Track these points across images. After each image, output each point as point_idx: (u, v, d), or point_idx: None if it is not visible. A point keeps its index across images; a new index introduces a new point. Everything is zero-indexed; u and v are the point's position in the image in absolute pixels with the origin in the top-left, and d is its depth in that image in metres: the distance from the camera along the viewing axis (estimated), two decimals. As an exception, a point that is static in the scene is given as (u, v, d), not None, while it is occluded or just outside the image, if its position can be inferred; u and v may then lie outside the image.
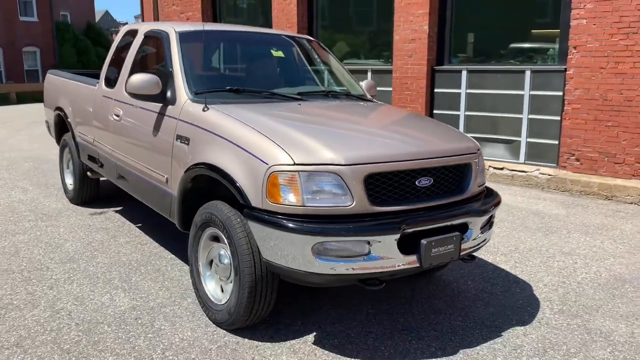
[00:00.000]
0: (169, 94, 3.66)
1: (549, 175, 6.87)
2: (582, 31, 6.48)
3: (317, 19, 9.46)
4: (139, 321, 3.30)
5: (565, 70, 6.74)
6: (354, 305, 3.60)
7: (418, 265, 2.92)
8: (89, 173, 5.48)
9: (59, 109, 5.71)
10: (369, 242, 2.78)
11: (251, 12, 10.70)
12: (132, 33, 4.62)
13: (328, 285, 3.18)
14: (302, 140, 2.94)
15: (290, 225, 2.73)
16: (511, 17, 7.55)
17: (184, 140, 3.42)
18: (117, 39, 4.85)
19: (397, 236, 2.81)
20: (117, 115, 4.31)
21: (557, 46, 7.05)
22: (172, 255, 4.40)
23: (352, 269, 2.79)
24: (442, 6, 7.89)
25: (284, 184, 2.78)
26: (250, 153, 2.93)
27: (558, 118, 6.99)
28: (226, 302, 3.16)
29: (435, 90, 8.04)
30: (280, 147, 2.85)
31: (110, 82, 4.65)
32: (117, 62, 4.71)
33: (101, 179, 5.60)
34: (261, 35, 4.46)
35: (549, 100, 7.07)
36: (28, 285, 3.77)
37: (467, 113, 7.78)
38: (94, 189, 5.69)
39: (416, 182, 3.00)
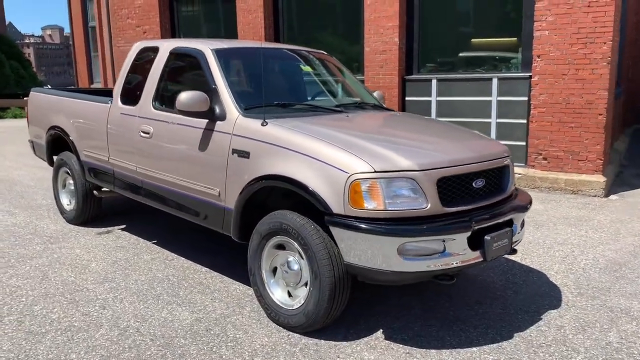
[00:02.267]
0: (217, 110, 3.77)
1: (519, 174, 7.44)
2: (545, 41, 7.11)
3: (284, 31, 9.67)
4: (212, 332, 3.39)
5: (531, 77, 7.35)
6: (403, 303, 3.86)
7: (482, 259, 3.22)
8: (95, 192, 5.41)
9: (55, 128, 5.58)
10: (444, 240, 3.06)
11: (212, 25, 10.73)
12: (151, 50, 4.65)
13: (404, 283, 3.41)
14: (374, 149, 3.17)
15: (377, 228, 2.95)
16: (475, 29, 8.11)
17: (243, 154, 3.55)
18: (130, 58, 4.85)
19: (469, 233, 3.10)
20: (147, 133, 4.33)
21: (520, 55, 7.66)
22: (206, 269, 4.47)
23: (431, 266, 3.05)
24: (409, 19, 8.34)
25: (366, 190, 3.00)
26: (326, 163, 3.12)
27: (524, 121, 7.59)
28: (300, 306, 3.31)
29: (407, 98, 8.47)
30: (358, 157, 3.07)
31: (130, 100, 4.65)
32: (134, 80, 4.73)
33: (103, 197, 5.54)
34: (285, 51, 4.63)
35: (516, 105, 7.66)
36: (79, 307, 3.73)
37: (438, 119, 8.25)
38: (96, 209, 5.61)
39: (473, 184, 3.31)
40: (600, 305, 3.86)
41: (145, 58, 4.71)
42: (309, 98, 4.51)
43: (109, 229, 5.56)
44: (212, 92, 3.85)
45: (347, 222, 3.02)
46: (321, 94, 4.67)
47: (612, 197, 7.04)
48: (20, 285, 4.10)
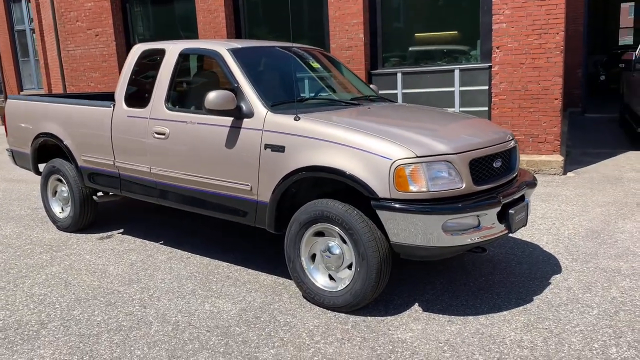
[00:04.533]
0: (244, 107, 3.92)
1: (484, 158, 7.95)
2: (503, 33, 7.65)
3: (246, 29, 9.76)
4: (262, 319, 3.56)
5: (491, 67, 7.88)
6: (427, 280, 4.17)
7: (507, 231, 3.58)
8: (95, 197, 5.37)
9: (45, 135, 5.48)
10: (478, 216, 3.38)
11: (168, 26, 10.62)
12: (156, 53, 4.69)
13: (445, 257, 3.69)
14: (411, 136, 3.44)
15: (423, 208, 3.23)
16: (436, 24, 8.55)
17: (277, 148, 3.72)
18: (130, 61, 4.86)
19: (499, 208, 3.45)
20: (162, 134, 4.40)
21: (479, 47, 8.18)
22: (226, 263, 4.59)
23: (468, 239, 3.36)
24: (372, 16, 8.68)
25: (409, 174, 3.27)
26: (369, 152, 3.36)
27: (487, 109, 8.13)
28: (345, 287, 3.54)
29: (373, 91, 8.80)
30: (399, 144, 3.33)
31: (136, 103, 4.68)
32: (139, 83, 4.76)
33: (99, 201, 5.51)
34: (289, 49, 4.79)
35: (477, 94, 8.18)
36: (119, 308, 3.78)
37: (444, 109, 8.64)
38: (93, 214, 5.56)
39: (493, 164, 3.66)
40: (594, 268, 4.33)
41: (149, 61, 4.75)
42: (319, 93, 4.72)
43: (108, 233, 5.53)
44: (235, 91, 3.98)
45: (394, 205, 3.27)
46: (329, 89, 4.90)
47: (569, 174, 7.69)
48: (47, 293, 4.08)
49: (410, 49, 8.76)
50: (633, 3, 23.55)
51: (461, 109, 8.29)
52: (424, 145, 3.36)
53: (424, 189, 3.28)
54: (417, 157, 3.28)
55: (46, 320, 3.64)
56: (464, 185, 3.37)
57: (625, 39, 33.80)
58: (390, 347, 3.17)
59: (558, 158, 7.67)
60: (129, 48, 10.81)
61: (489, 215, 3.42)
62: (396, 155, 3.29)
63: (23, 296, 4.04)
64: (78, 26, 10.87)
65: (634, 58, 9.56)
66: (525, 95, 7.71)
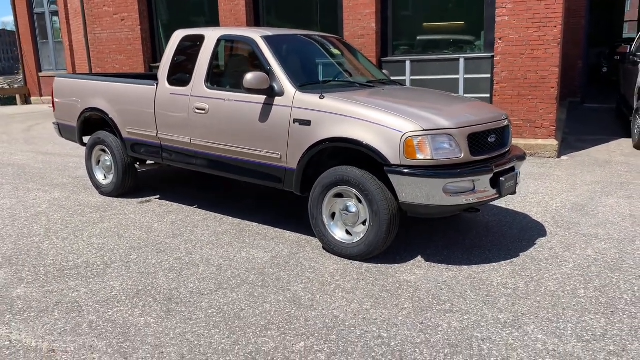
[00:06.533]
0: (276, 87, 4.58)
1: (485, 141, 8.60)
2: (505, 26, 8.26)
3: (264, 17, 10.38)
4: (290, 264, 4.25)
5: (493, 57, 8.50)
6: (429, 238, 4.85)
7: (498, 195, 4.25)
8: (137, 165, 6.06)
9: (92, 109, 6.15)
10: (473, 181, 4.05)
11: (190, 11, 11.26)
12: (196, 38, 5.35)
13: (444, 215, 4.35)
14: (419, 113, 4.11)
15: (428, 172, 3.91)
16: (443, 15, 9.17)
17: (304, 122, 4.39)
18: (172, 45, 5.52)
19: (491, 175, 4.12)
20: (202, 110, 5.07)
21: (483, 38, 8.79)
22: (256, 223, 5.28)
23: (465, 200, 4.04)
24: (383, 6, 9.29)
25: (417, 145, 3.94)
26: (383, 126, 4.03)
27: (488, 95, 8.75)
28: (360, 239, 4.23)
29: (383, 78, 9.43)
30: (409, 119, 4.00)
31: (178, 82, 5.34)
32: (181, 64, 5.42)
33: (140, 169, 6.20)
34: (311, 37, 5.45)
35: (480, 81, 8.81)
36: (168, 254, 4.48)
37: (448, 92, 9.26)
38: (134, 181, 6.25)
39: (488, 139, 4.32)
40: (575, 233, 5.00)
41: (188, 45, 5.41)
42: (338, 76, 5.38)
43: (147, 198, 6.23)
44: (268, 73, 4.64)
45: (404, 170, 3.95)
46: (346, 73, 5.56)
47: (563, 157, 8.33)
48: (104, 243, 4.78)
49: (418, 38, 9.37)
50: (638, -4, 23.97)
51: (465, 95, 8.92)
52: (430, 121, 4.03)
53: (429, 157, 3.95)
54: (424, 130, 3.95)
55: (109, 262, 4.35)
56: (462, 155, 4.04)
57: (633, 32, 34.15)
58: (397, 285, 3.86)
59: (553, 142, 8.30)
60: (152, 33, 11.48)
61: (483, 181, 4.09)
62: (406, 128, 3.96)
63: (84, 244, 4.75)
64: (105, 11, 11.51)
65: (628, 51, 10.14)
66: (524, 83, 8.33)
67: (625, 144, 9.21)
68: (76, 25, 13.71)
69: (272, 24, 10.43)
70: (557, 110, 8.57)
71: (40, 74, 20.29)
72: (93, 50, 11.90)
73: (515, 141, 8.40)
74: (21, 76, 22.51)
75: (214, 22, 10.61)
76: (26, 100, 20.86)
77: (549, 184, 6.79)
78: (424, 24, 9.32)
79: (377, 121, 4.06)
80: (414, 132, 3.94)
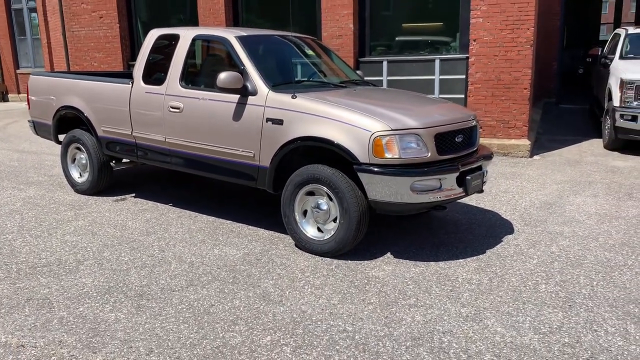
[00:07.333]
0: (249, 87, 4.65)
1: (460, 141, 8.74)
2: (479, 27, 8.41)
3: (243, 16, 10.42)
4: (262, 261, 4.33)
5: (468, 58, 8.65)
6: (398, 236, 4.96)
7: (464, 193, 4.36)
8: (112, 164, 6.08)
9: (67, 107, 6.16)
10: (440, 179, 4.16)
11: (169, 10, 11.25)
12: (171, 38, 5.39)
13: (412, 212, 4.44)
14: (387, 113, 4.21)
15: (396, 171, 4.01)
16: (419, 16, 9.30)
17: (277, 121, 4.46)
18: (148, 44, 5.56)
19: (457, 174, 4.23)
20: (177, 108, 5.11)
21: (458, 39, 8.94)
22: (229, 221, 5.34)
23: (431, 198, 4.15)
24: (361, 7, 9.40)
25: (385, 144, 4.03)
26: (352, 125, 4.12)
27: (463, 96, 8.90)
28: (331, 236, 4.31)
29: (361, 78, 9.54)
30: (377, 119, 4.09)
31: (152, 80, 5.38)
32: (156, 63, 5.46)
33: (117, 168, 6.23)
34: (286, 37, 5.53)
35: (455, 82, 8.95)
36: (141, 251, 4.53)
37: (420, 93, 9.37)
38: (110, 179, 6.27)
39: (455, 139, 4.44)
40: (542, 231, 5.14)
41: (163, 44, 5.45)
42: (312, 77, 5.46)
43: (123, 197, 6.25)
44: (241, 73, 4.71)
45: (373, 169, 4.04)
46: (320, 73, 5.65)
47: (535, 157, 8.51)
48: (78, 241, 4.81)
49: (395, 39, 9.49)
50: (614, -1, 24.44)
51: (440, 95, 9.07)
52: (398, 121, 4.13)
53: (397, 156, 4.05)
54: (392, 130, 4.05)
55: (82, 259, 4.38)
56: (429, 154, 4.15)
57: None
58: (366, 281, 3.96)
59: (525, 142, 8.48)
60: (131, 31, 11.45)
61: (449, 179, 4.21)
62: (375, 128, 4.06)
63: (57, 242, 4.77)
64: (83, 8, 11.45)
65: (599, 53, 10.38)
66: (497, 84, 8.49)
67: (597, 144, 9.43)
68: (54, 23, 13.61)
69: (251, 23, 10.48)
70: (530, 110, 8.75)
71: (18, 71, 20.02)
72: (71, 47, 11.83)
73: (489, 141, 8.57)
74: (-2, 73, 22.21)
75: (193, 20, 10.62)
76: (3, 98, 20.60)
77: (519, 183, 6.95)
78: (401, 25, 9.44)
79: (347, 121, 4.15)
80: (383, 132, 4.03)
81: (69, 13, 11.63)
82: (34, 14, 19.49)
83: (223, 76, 4.54)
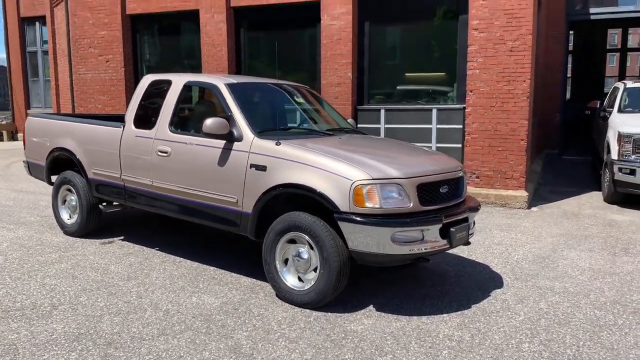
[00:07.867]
0: (235, 133, 4.66)
1: (457, 190, 8.68)
2: (476, 79, 8.48)
3: (245, 63, 10.60)
4: (239, 310, 4.22)
5: (465, 108, 8.69)
6: (381, 287, 4.84)
7: (448, 245, 4.27)
8: (101, 206, 6.06)
9: (60, 149, 6.20)
10: (422, 230, 4.09)
11: (174, 55, 11.48)
12: (163, 83, 5.46)
13: (393, 264, 4.35)
14: (369, 162, 4.18)
15: (376, 221, 3.94)
16: (417, 67, 9.41)
17: (260, 168, 4.44)
18: (141, 88, 5.63)
19: (440, 225, 4.16)
20: (165, 152, 5.12)
21: (455, 90, 9.01)
22: (213, 267, 5.26)
23: (414, 249, 4.06)
24: (360, 57, 9.54)
25: (366, 193, 3.99)
26: (334, 173, 4.09)
27: (460, 145, 8.89)
28: (311, 286, 4.22)
29: (359, 125, 9.55)
30: (359, 168, 4.06)
31: (143, 124, 5.42)
32: (147, 108, 5.51)
33: (107, 211, 6.21)
34: (279, 85, 5.58)
35: (452, 132, 8.97)
36: (118, 297, 4.44)
37: (408, 142, 9.39)
38: (98, 221, 6.24)
39: (440, 189, 4.38)
40: (532, 285, 5.01)
41: (157, 89, 5.51)
42: (301, 124, 5.47)
43: (110, 239, 6.20)
44: (228, 119, 4.72)
45: (353, 218, 3.98)
46: (311, 121, 5.66)
47: (533, 208, 8.41)
48: (57, 284, 4.73)
49: (394, 87, 9.58)
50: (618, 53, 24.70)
51: (437, 145, 9.07)
52: (379, 170, 4.09)
53: (377, 206, 3.99)
54: (373, 179, 4.01)
55: (57, 303, 4.29)
56: (411, 205, 4.09)
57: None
58: (343, 335, 3.84)
59: (523, 193, 8.40)
60: (136, 75, 11.66)
61: (432, 231, 4.13)
62: (356, 177, 4.02)
63: (36, 285, 4.70)
64: (90, 52, 11.71)
65: (598, 106, 10.41)
66: (494, 135, 8.49)
67: (597, 196, 9.32)
68: (62, 65, 13.91)
69: (253, 70, 10.64)
70: (527, 161, 8.70)
71: (29, 111, 20.42)
72: (77, 89, 12.04)
73: (486, 191, 8.51)
74: (9, 113, 22.65)
75: (197, 65, 10.81)
76: (13, 137, 20.94)
77: (514, 235, 6.84)
78: (400, 74, 9.55)
79: (328, 168, 4.12)
80: (363, 181, 3.99)
81: (76, 56, 11.90)
82: (47, 57, 20.04)
83: (209, 122, 4.56)
